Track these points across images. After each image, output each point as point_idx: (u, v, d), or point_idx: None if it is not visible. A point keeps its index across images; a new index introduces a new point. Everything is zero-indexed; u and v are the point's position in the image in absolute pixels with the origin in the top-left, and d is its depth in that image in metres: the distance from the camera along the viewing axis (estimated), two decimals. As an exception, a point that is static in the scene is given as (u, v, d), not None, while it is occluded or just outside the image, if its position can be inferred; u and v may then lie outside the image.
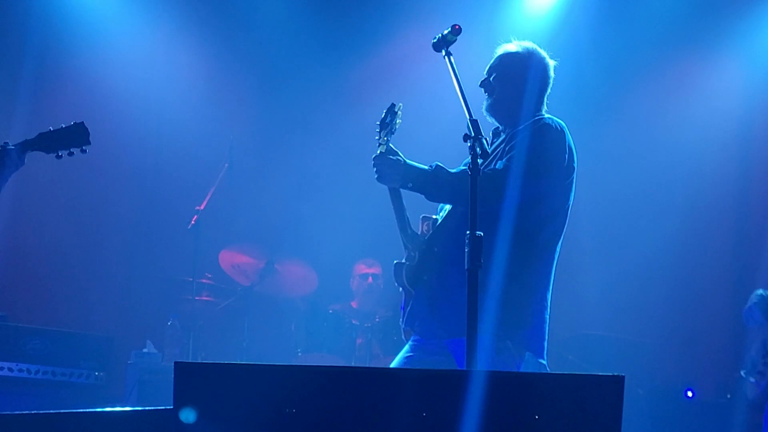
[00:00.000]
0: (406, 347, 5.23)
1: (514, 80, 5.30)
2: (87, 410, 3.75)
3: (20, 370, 8.16)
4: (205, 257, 8.97)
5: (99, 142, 9.59)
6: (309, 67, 10.22)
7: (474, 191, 4.24)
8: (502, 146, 5.10)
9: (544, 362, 4.94)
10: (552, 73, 5.42)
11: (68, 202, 9.79)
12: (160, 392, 7.98)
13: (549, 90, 5.47)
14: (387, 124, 5.12)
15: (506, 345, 4.75)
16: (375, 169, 5.05)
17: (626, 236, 9.63)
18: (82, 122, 5.50)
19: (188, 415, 3.17)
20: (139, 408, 3.85)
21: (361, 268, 9.35)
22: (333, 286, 9.56)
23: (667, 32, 9.71)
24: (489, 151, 4.32)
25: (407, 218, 5.22)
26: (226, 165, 9.09)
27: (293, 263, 9.30)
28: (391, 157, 5.02)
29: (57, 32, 9.64)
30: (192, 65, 10.20)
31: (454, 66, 4.72)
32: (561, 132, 5.20)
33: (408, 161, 5.04)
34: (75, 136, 5.48)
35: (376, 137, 5.13)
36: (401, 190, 5.09)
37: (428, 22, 9.10)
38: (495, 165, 5.00)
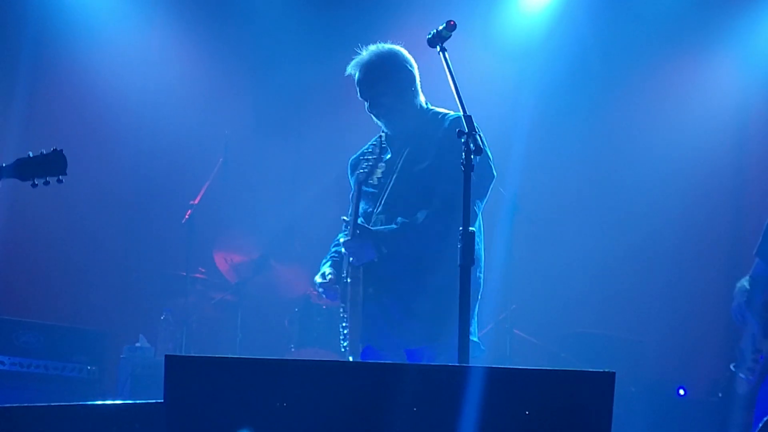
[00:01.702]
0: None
1: (400, 84, 5.37)
2: (78, 403, 3.75)
3: (12, 364, 8.15)
4: (198, 252, 8.98)
5: (94, 137, 9.71)
6: (304, 62, 10.21)
7: (468, 187, 4.25)
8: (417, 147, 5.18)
9: (476, 339, 5.13)
10: (409, 56, 5.43)
11: (62, 196, 9.75)
12: (153, 386, 7.99)
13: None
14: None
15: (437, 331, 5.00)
16: (348, 254, 5.23)
17: (619, 234, 9.64)
18: (61, 150, 5.44)
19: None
20: (130, 401, 3.85)
21: (355, 264, 9.36)
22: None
23: (663, 29, 9.71)
24: (482, 147, 4.31)
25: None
26: (221, 160, 9.10)
27: (287, 262, 9.31)
28: (358, 236, 5.16)
29: (52, 27, 9.63)
30: (187, 60, 10.20)
31: (449, 62, 4.72)
32: None
33: (372, 229, 5.18)
34: (52, 165, 5.41)
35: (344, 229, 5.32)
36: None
37: (423, 17, 9.10)
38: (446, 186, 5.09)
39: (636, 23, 9.71)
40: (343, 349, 5.40)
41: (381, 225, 5.22)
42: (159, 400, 3.28)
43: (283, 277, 9.26)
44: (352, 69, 5.45)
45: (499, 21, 9.99)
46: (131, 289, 9.82)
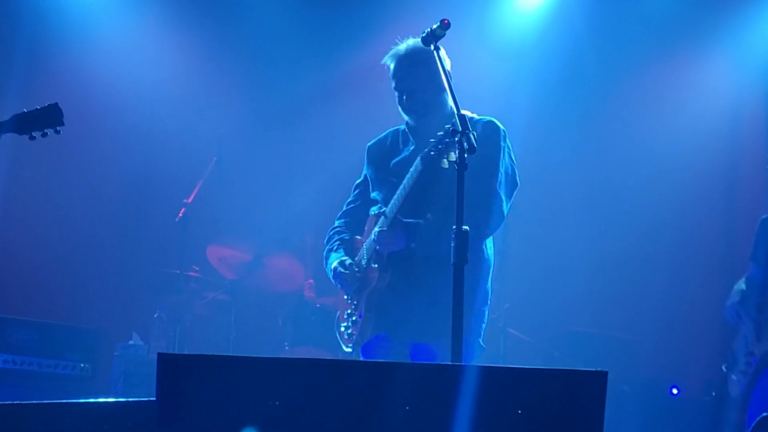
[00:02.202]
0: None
1: (440, 82, 5.28)
2: (71, 401, 3.75)
3: (5, 361, 8.15)
4: (192, 250, 8.97)
5: (88, 135, 9.71)
6: (298, 60, 10.21)
7: (461, 186, 4.24)
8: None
9: (480, 341, 5.24)
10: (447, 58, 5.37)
11: (56, 194, 9.78)
12: (146, 384, 7.97)
13: None
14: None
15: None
16: (379, 242, 5.17)
17: (613, 233, 9.64)
18: (56, 103, 5.44)
19: None
20: (123, 399, 3.84)
21: (349, 262, 9.34)
22: (321, 280, 9.56)
23: (657, 29, 9.72)
24: (476, 146, 4.30)
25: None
26: (215, 158, 9.10)
27: (280, 258, 9.30)
28: (392, 227, 5.12)
29: (47, 26, 9.62)
30: (181, 58, 10.18)
31: (443, 61, 4.71)
32: None
33: (404, 221, 5.14)
34: (49, 117, 5.41)
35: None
36: None
37: (418, 16, 9.09)
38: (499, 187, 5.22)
39: (630, 23, 9.72)
40: (347, 335, 5.38)
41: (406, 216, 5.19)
42: (151, 398, 3.28)
43: (277, 275, 9.26)
44: (390, 59, 5.38)
45: (493, 20, 9.99)
46: (125, 286, 9.81)
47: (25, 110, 5.41)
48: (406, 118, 5.43)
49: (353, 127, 9.62)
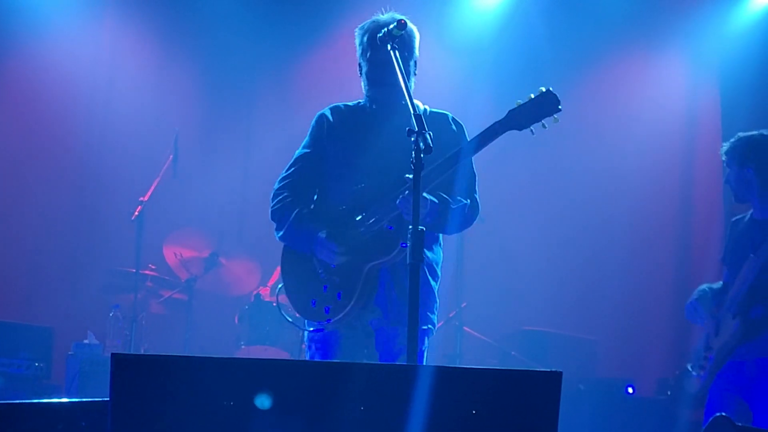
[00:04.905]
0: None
1: (415, 63, 5.36)
2: (23, 401, 3.72)
3: (-42, 361, 8.09)
4: (148, 248, 8.92)
5: (42, 132, 9.64)
6: (255, 57, 10.20)
7: (417, 185, 4.24)
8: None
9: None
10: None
11: (9, 191, 9.70)
12: (101, 383, 7.92)
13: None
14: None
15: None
16: (405, 208, 4.82)
17: (570, 233, 9.69)
18: None
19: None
20: (76, 399, 3.82)
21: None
22: (277, 279, 9.55)
23: (613, 28, 9.79)
24: (432, 146, 4.29)
25: None
26: (171, 156, 9.05)
27: (237, 259, 9.28)
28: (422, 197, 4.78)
29: (2, 23, 9.54)
30: (138, 55, 10.14)
31: (399, 60, 4.71)
32: None
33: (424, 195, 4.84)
34: None
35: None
36: None
37: (377, 11, 9.09)
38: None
39: (586, 22, 9.78)
40: (325, 311, 5.16)
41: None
42: (106, 398, 3.26)
43: (233, 274, 9.24)
44: (372, 25, 5.24)
45: (451, 17, 10.01)
46: (80, 285, 9.74)
47: None
48: (366, 93, 5.39)
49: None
